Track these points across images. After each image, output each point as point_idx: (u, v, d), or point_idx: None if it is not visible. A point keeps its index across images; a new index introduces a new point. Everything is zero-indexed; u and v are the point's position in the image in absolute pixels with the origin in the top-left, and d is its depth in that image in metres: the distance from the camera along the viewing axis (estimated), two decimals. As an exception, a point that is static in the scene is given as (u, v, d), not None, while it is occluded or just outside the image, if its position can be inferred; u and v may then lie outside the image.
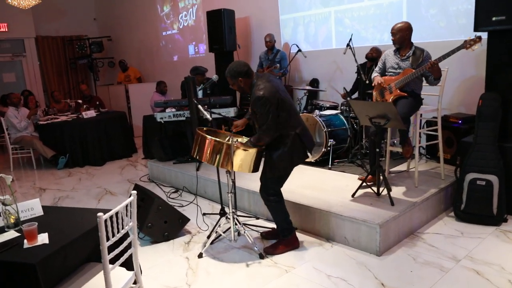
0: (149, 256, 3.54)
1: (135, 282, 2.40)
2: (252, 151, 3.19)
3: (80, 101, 7.53)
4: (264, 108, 2.99)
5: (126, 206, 2.24)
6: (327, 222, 3.56)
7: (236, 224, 3.56)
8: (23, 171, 6.93)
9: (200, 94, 5.32)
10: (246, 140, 3.51)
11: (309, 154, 3.28)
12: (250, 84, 3.14)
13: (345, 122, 5.05)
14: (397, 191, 3.86)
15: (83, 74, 11.21)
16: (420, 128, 4.56)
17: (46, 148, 6.70)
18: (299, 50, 5.49)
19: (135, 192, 2.34)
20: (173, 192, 5.15)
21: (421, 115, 4.69)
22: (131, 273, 2.36)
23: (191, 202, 4.71)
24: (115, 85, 10.09)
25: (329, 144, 4.78)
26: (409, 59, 3.78)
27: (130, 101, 9.13)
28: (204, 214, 4.36)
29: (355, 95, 5.42)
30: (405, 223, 3.47)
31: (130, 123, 9.00)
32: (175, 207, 4.50)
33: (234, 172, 3.77)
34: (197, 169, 5.09)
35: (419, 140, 4.06)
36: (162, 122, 5.30)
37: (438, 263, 3.04)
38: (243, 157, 3.19)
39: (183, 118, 5.34)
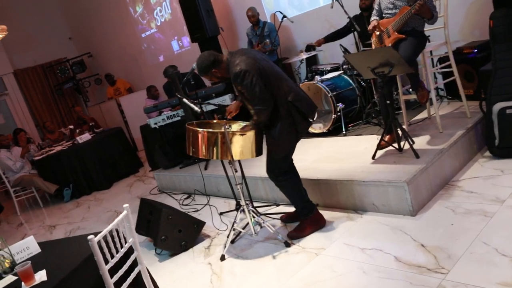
0: (169, 270, 3.51)
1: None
2: (251, 134, 3.10)
3: (71, 126, 7.56)
4: (248, 82, 2.88)
5: (120, 222, 2.19)
6: (351, 192, 3.45)
7: (253, 216, 3.48)
8: (31, 212, 7.02)
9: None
10: (244, 125, 3.42)
11: (310, 119, 3.16)
12: (226, 68, 3.04)
13: (351, 81, 4.90)
14: (421, 142, 3.72)
15: (72, 99, 11.27)
16: (433, 67, 4.39)
17: (48, 184, 6.76)
18: (284, 17, 5.34)
19: (127, 205, 2.29)
20: (185, 198, 5.12)
21: (431, 53, 4.53)
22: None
23: (205, 205, 4.67)
24: (106, 102, 10.11)
25: (338, 109, 4.64)
26: (404, -5, 3.60)
27: (125, 114, 9.13)
28: (221, 213, 4.31)
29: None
30: (436, 174, 3.34)
31: (130, 137, 9.01)
32: (189, 213, 4.49)
33: (240, 161, 3.72)
34: (206, 168, 5.04)
35: (435, 81, 3.90)
36: (157, 127, 5.25)
37: (480, 209, 2.90)
38: (242, 143, 3.11)
39: (178, 118, 5.28)
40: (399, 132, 3.56)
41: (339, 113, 4.67)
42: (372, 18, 3.89)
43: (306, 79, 5.59)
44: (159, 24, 8.87)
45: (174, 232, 3.68)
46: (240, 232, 3.59)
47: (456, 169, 3.54)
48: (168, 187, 5.68)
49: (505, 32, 3.47)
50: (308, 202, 3.32)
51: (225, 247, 3.45)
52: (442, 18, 3.81)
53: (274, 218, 3.78)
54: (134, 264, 2.31)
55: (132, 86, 10.15)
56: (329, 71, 5.24)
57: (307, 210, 3.30)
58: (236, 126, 3.54)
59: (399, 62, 3.33)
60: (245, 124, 3.36)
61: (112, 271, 2.10)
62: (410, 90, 4.08)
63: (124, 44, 10.04)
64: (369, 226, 3.18)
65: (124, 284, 2.16)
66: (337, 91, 4.75)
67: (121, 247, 2.18)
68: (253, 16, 6.05)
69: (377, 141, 3.73)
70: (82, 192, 6.84)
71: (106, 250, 2.05)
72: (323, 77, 4.94)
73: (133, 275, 2.25)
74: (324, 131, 4.80)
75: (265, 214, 3.88)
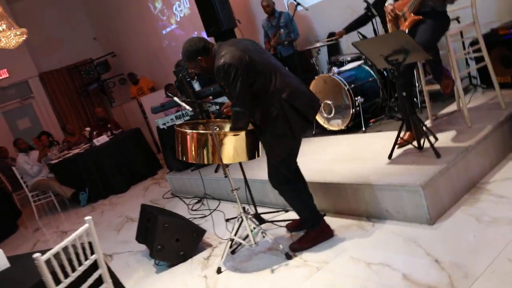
0: (165, 282, 3.37)
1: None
2: (242, 134, 2.88)
3: (88, 128, 7.60)
4: (229, 77, 2.65)
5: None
6: (363, 197, 3.16)
7: (254, 227, 3.26)
8: (51, 216, 7.10)
9: (196, 86, 5.09)
10: None
11: (311, 120, 2.88)
12: (212, 58, 2.82)
13: (372, 72, 4.57)
14: (446, 139, 3.36)
15: (98, 99, 11.44)
16: (464, 51, 4.00)
17: (64, 188, 6.82)
18: (298, 4, 5.06)
19: (89, 218, 2.14)
20: (196, 203, 4.96)
21: (461, 35, 4.14)
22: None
23: (214, 210, 4.49)
24: (128, 102, 10.17)
25: (356, 104, 4.33)
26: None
27: (147, 114, 9.12)
28: (227, 220, 4.11)
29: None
30: (460, 175, 2.99)
31: (153, 138, 9.00)
32: (195, 219, 4.34)
33: (240, 162, 3.50)
34: (216, 171, 4.86)
35: (467, 68, 3.52)
36: (165, 128, 5.13)
37: (509, 218, 2.54)
38: (235, 144, 2.89)
39: (188, 118, 5.13)
40: (419, 128, 3.23)
41: (358, 108, 4.36)
42: (387, 3, 3.56)
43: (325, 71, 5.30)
44: (178, 19, 8.79)
45: (171, 242, 3.52)
46: (240, 243, 3.36)
47: (486, 169, 3.16)
48: (180, 190, 5.56)
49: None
50: (314, 213, 3.06)
51: (222, 258, 3.24)
52: (469, -4, 3.43)
53: (280, 226, 3.54)
54: (100, 282, 2.15)
55: (155, 84, 10.15)
56: (350, 62, 4.92)
57: (312, 222, 3.04)
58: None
59: (414, 48, 3.00)
60: None
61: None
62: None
63: (146, 42, 10.05)
64: (380, 236, 2.88)
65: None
66: (356, 84, 4.44)
67: (80, 264, 2.02)
68: (268, 6, 5.79)
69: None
70: (98, 196, 6.85)
71: (58, 269, 1.89)
72: (341, 69, 4.64)
73: (94, 295, 2.09)
74: (343, 128, 4.50)
75: (271, 221, 3.65)
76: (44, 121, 10.76)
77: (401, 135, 3.45)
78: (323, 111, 4.65)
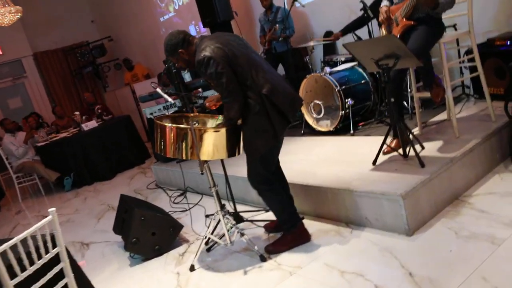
0: (136, 276, 3.31)
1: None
2: (223, 131, 2.81)
3: (77, 112, 7.49)
4: (212, 71, 2.57)
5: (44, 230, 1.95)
6: (342, 202, 3.10)
7: (231, 226, 3.20)
8: (35, 199, 7.01)
9: (187, 77, 4.99)
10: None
11: (290, 119, 2.79)
12: (194, 51, 2.74)
13: (365, 74, 4.49)
14: (432, 148, 3.29)
15: (92, 83, 11.31)
16: (459, 59, 3.94)
17: (49, 171, 6.73)
18: (295, 0, 4.97)
19: (53, 209, 2.06)
20: (178, 196, 4.89)
21: (457, 43, 4.07)
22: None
23: (195, 205, 4.42)
24: (122, 88, 10.06)
25: (346, 106, 4.25)
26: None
27: (139, 101, 9.01)
28: (207, 215, 4.04)
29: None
30: (443, 187, 2.92)
31: (144, 126, 8.90)
32: (176, 212, 4.27)
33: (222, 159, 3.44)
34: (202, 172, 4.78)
35: (456, 77, 3.45)
36: (153, 117, 5.03)
37: (488, 234, 2.48)
38: (214, 141, 2.82)
39: (176, 108, 5.05)
40: (405, 135, 3.16)
41: (347, 110, 4.28)
42: (382, 4, 3.47)
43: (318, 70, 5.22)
44: (177, 7, 8.66)
45: (147, 235, 3.45)
46: (216, 242, 3.29)
47: (470, 182, 3.10)
48: (165, 182, 5.48)
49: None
50: (292, 215, 2.99)
51: (195, 256, 3.18)
52: (465, 3, 3.35)
53: (258, 226, 3.48)
54: (60, 277, 2.08)
55: (150, 72, 10.03)
56: (343, 62, 4.84)
57: (289, 225, 2.97)
58: (213, 122, 3.25)
59: (405, 54, 2.92)
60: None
61: (25, 285, 1.88)
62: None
63: (144, 29, 9.92)
64: (357, 244, 2.82)
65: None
66: (347, 85, 4.36)
67: (40, 257, 1.95)
68: (266, 0, 5.69)
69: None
70: (83, 181, 6.76)
71: (14, 262, 1.82)
72: (333, 69, 4.56)
73: (56, 289, 2.01)
74: (331, 129, 4.43)
75: (250, 221, 3.59)
76: (36, 101, 10.63)
77: (388, 141, 3.39)
78: (312, 111, 4.57)
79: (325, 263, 2.70)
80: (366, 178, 3.10)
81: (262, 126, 2.70)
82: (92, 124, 7.11)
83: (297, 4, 5.24)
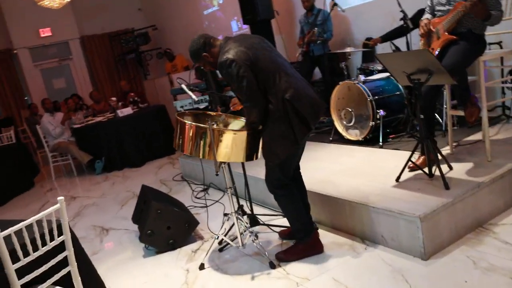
0: (147, 269, 3.33)
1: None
2: (243, 134, 2.78)
3: (114, 98, 7.66)
4: (234, 74, 2.55)
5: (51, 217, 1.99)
6: (360, 217, 3.01)
7: (243, 227, 3.17)
8: (67, 179, 7.23)
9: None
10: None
11: (311, 126, 2.73)
12: (217, 53, 2.73)
13: (400, 86, 4.35)
14: (461, 169, 3.15)
15: (134, 70, 11.55)
16: (502, 78, 3.75)
17: (82, 153, 6.92)
18: (335, 4, 4.86)
19: (62, 198, 2.09)
20: (201, 191, 4.91)
21: (501, 61, 3.87)
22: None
23: (216, 202, 4.43)
24: (161, 77, 10.21)
25: (377, 116, 4.14)
26: (462, -13, 3.02)
27: (171, 94, 9.13)
28: (226, 214, 4.03)
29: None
30: (466, 212, 2.79)
31: (178, 117, 9.00)
32: (196, 207, 4.29)
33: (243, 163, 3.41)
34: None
35: (497, 97, 3.28)
36: (182, 110, 5.07)
37: (509, 268, 2.34)
38: (231, 143, 2.80)
39: (206, 104, 5.06)
40: (432, 154, 3.03)
41: (378, 121, 4.16)
42: (423, 17, 3.33)
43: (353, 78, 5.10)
44: (221, 1, 8.71)
45: (162, 228, 3.48)
46: (228, 243, 3.28)
47: (498, 210, 2.94)
48: (190, 175, 5.52)
49: None
50: (307, 224, 2.93)
51: (206, 255, 3.18)
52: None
53: (274, 231, 3.44)
54: (64, 264, 2.11)
55: (190, 64, 10.12)
56: (379, 72, 4.71)
57: (303, 234, 2.92)
58: (237, 123, 3.23)
59: (438, 70, 2.80)
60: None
61: (26, 270, 1.92)
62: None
63: (187, 20, 10.02)
64: (369, 262, 2.74)
65: (44, 284, 1.98)
66: (380, 96, 4.24)
67: (45, 244, 1.99)
68: (307, 1, 5.59)
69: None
70: (114, 166, 6.91)
71: (18, 246, 1.86)
72: (368, 78, 4.44)
73: (56, 276, 2.05)
74: (360, 139, 4.32)
75: (267, 225, 3.55)
76: (79, 83, 10.96)
77: (416, 157, 3.27)
78: (343, 118, 4.48)
79: (334, 277, 2.64)
80: (387, 195, 3.00)
81: (282, 132, 2.65)
82: (128, 111, 7.25)
83: (338, 8, 5.14)
